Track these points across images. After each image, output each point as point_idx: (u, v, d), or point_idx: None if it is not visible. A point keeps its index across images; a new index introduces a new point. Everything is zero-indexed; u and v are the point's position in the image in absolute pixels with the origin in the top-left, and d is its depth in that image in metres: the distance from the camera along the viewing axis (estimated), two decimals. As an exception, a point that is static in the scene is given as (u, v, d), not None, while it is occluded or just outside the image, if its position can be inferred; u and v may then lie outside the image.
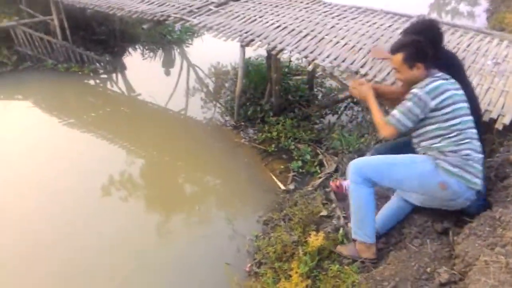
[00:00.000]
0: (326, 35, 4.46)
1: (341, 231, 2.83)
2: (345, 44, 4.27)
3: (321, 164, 4.23)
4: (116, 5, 5.59)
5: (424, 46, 2.29)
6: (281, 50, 4.28)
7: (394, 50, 2.35)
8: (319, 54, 4.14)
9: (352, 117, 5.38)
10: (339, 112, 5.53)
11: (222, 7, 5.33)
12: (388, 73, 3.79)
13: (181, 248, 3.41)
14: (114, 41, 7.43)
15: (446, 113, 2.24)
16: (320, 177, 3.90)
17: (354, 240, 2.55)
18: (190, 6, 5.29)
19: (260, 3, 5.45)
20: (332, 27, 4.62)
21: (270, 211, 3.58)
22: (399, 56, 2.31)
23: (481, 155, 2.31)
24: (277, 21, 4.80)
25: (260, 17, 4.95)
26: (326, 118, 5.38)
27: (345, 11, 5.15)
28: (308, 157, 4.32)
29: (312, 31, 4.54)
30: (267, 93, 5.35)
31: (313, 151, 4.46)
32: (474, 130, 2.31)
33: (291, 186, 3.99)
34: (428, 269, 2.22)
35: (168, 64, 7.60)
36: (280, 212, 3.49)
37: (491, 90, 3.49)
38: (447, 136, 2.26)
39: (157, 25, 5.65)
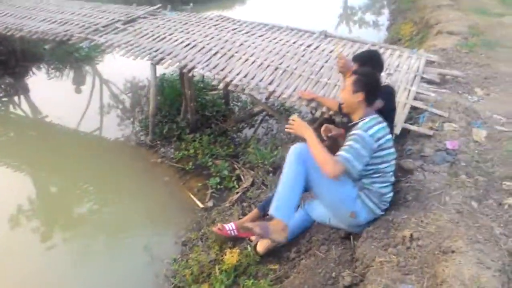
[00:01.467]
0: (236, 52, 4.59)
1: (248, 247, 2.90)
2: (254, 61, 4.42)
3: (238, 179, 4.31)
4: (14, 26, 5.24)
5: (374, 81, 2.44)
6: (192, 68, 4.32)
7: (354, 72, 2.50)
8: (229, 72, 4.25)
9: (268, 129, 5.56)
10: (255, 125, 5.69)
11: (130, 24, 5.24)
12: (294, 89, 4.00)
13: (97, 278, 3.26)
14: (15, 61, 6.91)
15: (381, 156, 2.38)
16: (237, 192, 3.98)
17: (270, 218, 2.45)
18: (96, 25, 5.12)
19: (169, 21, 5.44)
20: (241, 45, 4.75)
21: (189, 231, 3.57)
22: (353, 77, 2.41)
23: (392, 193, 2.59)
24: (187, 38, 4.83)
25: (169, 34, 4.94)
26: (243, 132, 5.50)
27: (253, 28, 5.34)
28: (225, 172, 4.38)
29: (222, 48, 4.64)
30: (183, 110, 5.33)
31: (231, 166, 4.53)
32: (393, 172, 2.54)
33: (210, 204, 4.01)
34: (333, 274, 2.38)
35: (78, 82, 7.24)
36: (198, 231, 3.49)
37: (384, 101, 3.84)
38: (374, 176, 2.44)
39: (61, 45, 5.38)
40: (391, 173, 2.51)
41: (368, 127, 2.32)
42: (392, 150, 2.45)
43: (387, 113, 2.64)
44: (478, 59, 5.18)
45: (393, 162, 2.49)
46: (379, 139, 2.32)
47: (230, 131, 5.26)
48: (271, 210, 2.39)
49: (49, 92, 6.65)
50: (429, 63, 4.67)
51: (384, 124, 2.40)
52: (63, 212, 4.20)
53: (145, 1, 11.31)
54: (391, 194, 2.56)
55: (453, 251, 2.07)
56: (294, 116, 2.43)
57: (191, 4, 12.59)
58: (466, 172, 2.91)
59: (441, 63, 4.76)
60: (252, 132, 5.50)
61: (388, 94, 2.78)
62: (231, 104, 6.04)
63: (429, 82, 4.26)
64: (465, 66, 4.96)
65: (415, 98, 3.87)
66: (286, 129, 2.47)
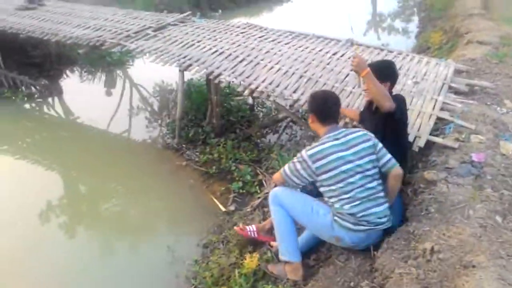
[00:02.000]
0: (262, 60, 4.66)
1: (268, 252, 2.94)
2: (279, 69, 4.48)
3: (261, 184, 4.37)
4: (50, 31, 5.50)
5: (320, 101, 2.52)
6: (219, 75, 4.41)
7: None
8: (255, 79, 4.32)
9: (291, 136, 5.60)
10: (279, 131, 5.74)
11: (160, 31, 5.40)
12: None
13: (120, 275, 3.38)
14: (50, 64, 7.25)
15: (331, 177, 2.35)
16: (259, 197, 4.03)
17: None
18: (127, 31, 5.31)
19: (197, 28, 5.58)
20: (267, 52, 4.83)
21: (210, 234, 3.65)
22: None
23: (375, 209, 2.40)
24: (215, 46, 4.95)
25: (198, 42, 5.07)
26: (267, 137, 5.57)
27: (279, 35, 5.40)
28: (248, 177, 4.45)
29: (248, 56, 4.73)
30: (209, 114, 5.45)
31: (253, 171, 4.60)
32: (368, 185, 2.38)
33: (232, 207, 4.08)
34: (352, 283, 2.39)
35: (109, 85, 7.50)
36: (219, 234, 3.56)
37: (409, 111, 3.80)
38: (339, 197, 2.38)
39: (94, 50, 5.60)
40: (359, 188, 2.37)
41: (312, 147, 2.39)
42: (347, 166, 2.34)
43: (396, 123, 2.75)
44: (508, 70, 5.04)
45: (353, 179, 2.36)
46: (318, 159, 2.33)
47: (254, 137, 5.33)
48: (279, 255, 2.63)
49: (81, 95, 6.93)
50: (458, 72, 4.60)
51: (338, 140, 2.39)
52: (91, 210, 4.39)
53: (176, 8, 11.62)
54: (374, 210, 2.40)
55: (474, 266, 2.05)
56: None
57: (220, 11, 12.82)
58: (491, 186, 2.85)
59: (470, 72, 4.67)
60: (276, 138, 5.55)
61: (398, 104, 2.77)
62: (256, 110, 6.12)
63: (457, 92, 4.19)
64: (494, 76, 4.84)
65: (441, 109, 3.82)
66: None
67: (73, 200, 4.57)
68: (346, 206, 2.37)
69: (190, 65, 4.58)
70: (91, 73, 7.77)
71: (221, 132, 5.30)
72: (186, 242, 3.70)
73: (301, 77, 4.37)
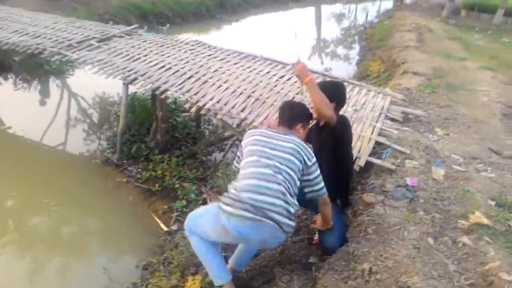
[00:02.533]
0: (210, 78, 4.66)
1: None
2: (227, 88, 4.50)
3: (205, 203, 4.29)
4: (-18, 35, 5.11)
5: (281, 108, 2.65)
6: (165, 90, 4.34)
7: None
8: (202, 97, 4.29)
9: (237, 154, 5.60)
10: (225, 150, 5.72)
11: (105, 42, 5.23)
12: (266, 117, 4.08)
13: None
14: (-20, 69, 6.71)
15: (247, 152, 2.33)
16: (203, 217, 3.95)
17: None
18: (69, 40, 5.08)
19: (144, 41, 5.47)
20: (215, 71, 4.83)
21: (151, 255, 3.50)
22: None
23: (268, 199, 2.17)
24: (162, 61, 4.87)
25: (144, 55, 4.96)
26: (212, 155, 5.52)
27: (228, 55, 5.44)
28: (192, 196, 4.36)
29: (196, 73, 4.70)
30: (153, 130, 5.31)
31: (198, 189, 4.52)
32: (272, 178, 2.21)
33: (174, 227, 3.97)
34: (294, 305, 2.40)
35: (44, 94, 7.08)
36: (160, 255, 3.44)
37: (350, 135, 3.97)
38: (241, 175, 2.30)
39: (32, 57, 5.28)
40: (260, 174, 2.22)
41: None
42: (257, 148, 2.31)
43: (341, 141, 2.85)
44: (439, 100, 5.47)
45: (253, 158, 2.28)
46: (244, 139, 2.45)
47: (200, 154, 5.26)
48: (215, 284, 2.47)
49: (14, 103, 6.46)
50: (394, 101, 4.89)
51: (267, 132, 2.43)
52: (19, 227, 4.06)
53: (122, 20, 11.35)
54: (262, 198, 2.17)
55: (409, 287, 2.15)
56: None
57: (167, 25, 12.74)
58: (424, 209, 3.03)
59: (405, 103, 4.99)
60: (222, 157, 5.53)
61: (341, 119, 2.86)
62: (202, 127, 6.07)
63: (393, 119, 4.45)
64: (427, 106, 5.22)
65: (379, 134, 4.03)
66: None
67: (0, 215, 4.19)
68: (239, 185, 2.22)
69: (136, 79, 4.46)
70: (27, 81, 7.29)
71: (166, 149, 5.18)
72: (124, 263, 3.53)
73: (248, 97, 4.41)
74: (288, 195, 2.24)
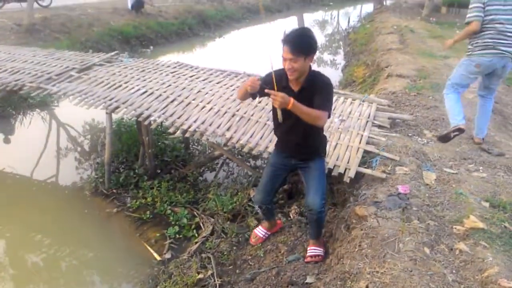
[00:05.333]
0: (193, 99, 4.61)
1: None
2: (211, 108, 4.45)
3: (198, 227, 4.22)
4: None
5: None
6: (148, 116, 4.28)
7: None
8: (186, 119, 4.24)
9: (228, 173, 5.54)
10: (217, 169, 5.65)
11: (85, 72, 5.18)
12: (252, 135, 4.04)
13: None
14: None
15: None
16: (196, 242, 3.88)
17: None
18: (49, 73, 5.03)
19: (125, 68, 5.43)
20: (198, 92, 4.79)
21: (144, 287, 3.40)
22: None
23: None
24: (144, 86, 4.82)
25: (125, 82, 4.91)
26: (204, 176, 5.45)
27: (210, 74, 5.41)
28: (185, 221, 4.27)
29: (179, 96, 4.66)
30: (141, 156, 5.24)
31: (190, 213, 4.43)
32: None
33: (168, 255, 3.87)
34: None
35: (8, 131, 6.88)
36: (154, 287, 3.34)
37: (338, 146, 3.94)
38: None
39: (11, 94, 5.22)
40: None
41: None
42: None
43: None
44: (426, 101, 5.46)
45: None
46: None
47: (190, 176, 5.18)
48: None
49: (-1, 140, 6.38)
50: (380, 107, 4.86)
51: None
52: (11, 264, 3.94)
53: (105, 46, 11.35)
54: None
55: (407, 304, 2.08)
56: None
57: (151, 47, 12.76)
58: (418, 217, 2.97)
59: (391, 108, 4.96)
60: (213, 177, 5.45)
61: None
62: (191, 148, 6.01)
63: (380, 126, 4.42)
64: (414, 108, 5.21)
65: (367, 143, 3.99)
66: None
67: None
68: None
69: (118, 107, 4.40)
70: (11, 117, 7.20)
71: (155, 174, 5.10)
72: (116, 299, 3.42)
73: (233, 115, 4.37)
74: None
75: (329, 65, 12.67)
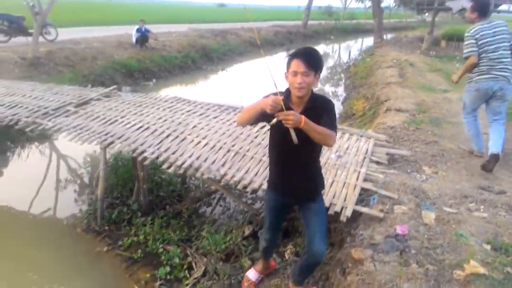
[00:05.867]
0: (189, 134, 4.58)
1: None
2: (206, 144, 4.40)
3: (190, 267, 4.07)
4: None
5: None
6: (142, 152, 4.23)
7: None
8: (180, 155, 4.18)
9: (225, 208, 5.42)
10: (213, 204, 5.53)
11: (82, 107, 5.18)
12: (246, 171, 3.96)
13: None
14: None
15: None
16: (187, 284, 3.73)
17: None
18: (46, 108, 5.03)
19: (123, 102, 5.44)
20: (194, 127, 4.76)
21: (131, 334, 3.24)
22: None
23: None
24: (140, 121, 4.81)
25: (122, 117, 4.90)
26: (200, 211, 5.33)
27: (208, 109, 5.40)
28: (177, 260, 4.12)
29: (174, 131, 4.62)
30: (135, 191, 5.15)
31: (183, 252, 4.29)
32: None
33: (157, 298, 3.72)
34: None
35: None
36: (141, 334, 3.17)
37: (335, 183, 3.84)
38: None
39: (9, 128, 5.21)
40: None
41: None
42: None
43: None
44: (425, 136, 5.39)
45: None
46: None
47: (185, 212, 5.07)
48: None
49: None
50: (378, 142, 4.79)
51: None
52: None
53: (107, 79, 11.50)
54: None
55: None
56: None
57: (154, 80, 12.91)
58: (416, 261, 2.84)
59: (389, 143, 4.89)
60: (209, 212, 5.33)
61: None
62: (188, 183, 5.92)
63: (378, 162, 4.33)
64: (413, 143, 5.13)
65: (365, 180, 3.90)
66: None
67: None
68: None
69: (112, 142, 4.36)
70: (10, 150, 7.19)
71: (149, 210, 4.99)
72: None
73: (228, 151, 4.32)
74: None
75: (331, 96, 12.74)
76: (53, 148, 7.55)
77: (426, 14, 31.63)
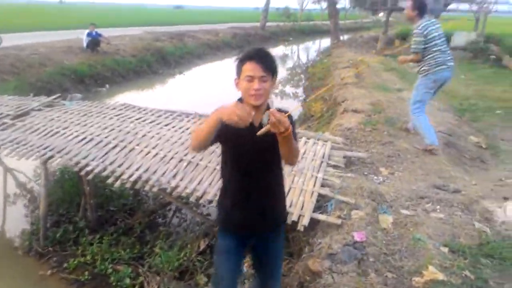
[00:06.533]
0: (137, 145, 4.30)
1: None
2: (157, 154, 4.15)
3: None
4: None
5: None
6: (85, 165, 3.92)
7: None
8: (127, 168, 3.91)
9: (181, 220, 5.16)
10: (168, 216, 5.26)
11: (20, 119, 4.78)
12: (199, 182, 3.75)
13: None
14: None
15: None
16: (139, 306, 3.46)
17: None
18: (-23, 121, 4.59)
19: (66, 112, 5.07)
20: (143, 136, 4.49)
21: None
22: None
23: None
24: (83, 132, 4.47)
25: (64, 128, 4.55)
26: (153, 225, 5.04)
27: (159, 116, 5.14)
28: (127, 281, 3.82)
29: (121, 141, 4.33)
30: (82, 207, 4.79)
31: (134, 271, 4.00)
32: None
33: (105, 325, 3.42)
34: None
35: None
36: None
37: (292, 190, 3.70)
38: None
39: None
40: None
41: None
42: None
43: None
44: (380, 137, 5.38)
45: None
46: None
47: (137, 227, 4.76)
48: None
49: None
50: (335, 145, 4.72)
51: None
52: None
53: (56, 86, 10.89)
54: None
55: None
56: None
57: (107, 86, 12.38)
58: (375, 269, 2.75)
59: (346, 146, 4.82)
60: (164, 225, 5.05)
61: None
62: (141, 195, 5.60)
63: (335, 166, 4.24)
64: (369, 144, 5.11)
65: (322, 185, 3.79)
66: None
67: None
68: None
69: (52, 156, 4.02)
70: None
71: (98, 226, 4.65)
72: None
73: (180, 161, 4.09)
74: None
75: (291, 97, 12.72)
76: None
77: (381, 14, 32.59)
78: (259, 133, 1.76)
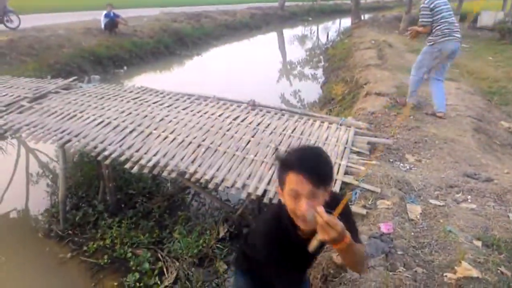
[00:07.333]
0: (155, 129, 4.21)
1: None
2: (174, 139, 4.05)
3: (161, 273, 3.76)
4: None
5: None
6: (103, 150, 3.85)
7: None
8: (145, 153, 3.82)
9: (200, 204, 5.10)
10: (187, 201, 5.20)
11: (38, 101, 4.73)
12: (218, 168, 3.64)
13: None
14: None
15: None
16: (158, 292, 3.43)
17: None
18: (-4, 104, 4.57)
19: (83, 95, 5.00)
20: (161, 120, 4.39)
21: None
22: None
23: None
24: (100, 116, 4.40)
25: (81, 112, 4.48)
26: (172, 209, 4.99)
27: (177, 100, 5.03)
28: (147, 265, 3.81)
29: (139, 125, 4.25)
30: (101, 190, 4.77)
31: (154, 255, 3.97)
32: None
33: (125, 309, 3.40)
34: None
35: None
36: None
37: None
38: None
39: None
40: None
41: None
42: None
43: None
44: (406, 121, 5.16)
45: None
46: None
47: (156, 211, 4.73)
48: None
49: None
50: (358, 131, 4.53)
51: None
52: None
53: (75, 68, 10.88)
54: None
55: None
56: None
57: (125, 68, 12.31)
58: (403, 263, 2.60)
59: (370, 131, 4.62)
60: (183, 209, 4.99)
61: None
62: (160, 178, 5.54)
63: (359, 152, 4.07)
64: (394, 130, 4.89)
65: (345, 173, 3.63)
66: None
67: None
68: None
69: (70, 140, 3.96)
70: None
71: (117, 210, 4.64)
72: None
73: (199, 146, 3.98)
74: None
75: (310, 79, 12.44)
76: (21, 142, 7.01)
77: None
78: (310, 247, 1.39)
